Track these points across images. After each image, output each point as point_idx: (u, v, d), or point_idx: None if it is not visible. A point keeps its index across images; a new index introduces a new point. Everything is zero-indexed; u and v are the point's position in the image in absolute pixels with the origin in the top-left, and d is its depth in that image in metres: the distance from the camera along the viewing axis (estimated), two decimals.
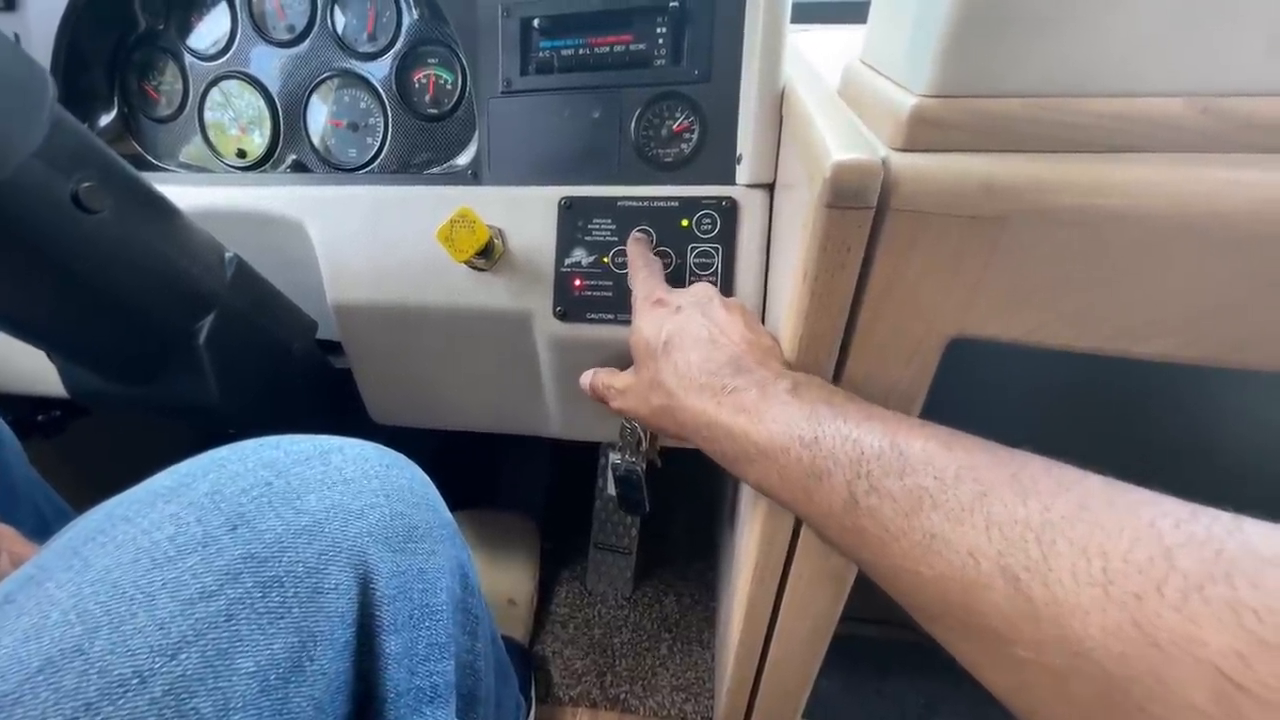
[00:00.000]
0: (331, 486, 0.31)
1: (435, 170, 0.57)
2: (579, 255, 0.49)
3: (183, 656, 0.24)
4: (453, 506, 0.40)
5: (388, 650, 0.31)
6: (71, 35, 0.57)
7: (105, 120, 0.62)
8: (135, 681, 0.22)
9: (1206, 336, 0.28)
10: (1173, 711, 0.16)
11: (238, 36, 0.59)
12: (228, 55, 0.59)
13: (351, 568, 0.29)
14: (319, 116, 0.59)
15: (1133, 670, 0.17)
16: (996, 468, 0.22)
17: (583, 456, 0.89)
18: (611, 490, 0.86)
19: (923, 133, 0.28)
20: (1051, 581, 0.19)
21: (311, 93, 0.58)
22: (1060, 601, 0.19)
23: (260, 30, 0.58)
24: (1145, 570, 0.17)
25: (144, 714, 0.22)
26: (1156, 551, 0.18)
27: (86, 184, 0.37)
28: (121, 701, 0.22)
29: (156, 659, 0.23)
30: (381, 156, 0.58)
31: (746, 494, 0.50)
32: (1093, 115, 0.26)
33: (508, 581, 0.82)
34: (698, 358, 0.35)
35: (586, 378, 0.46)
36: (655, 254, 0.47)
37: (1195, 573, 0.17)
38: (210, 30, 0.60)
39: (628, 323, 0.46)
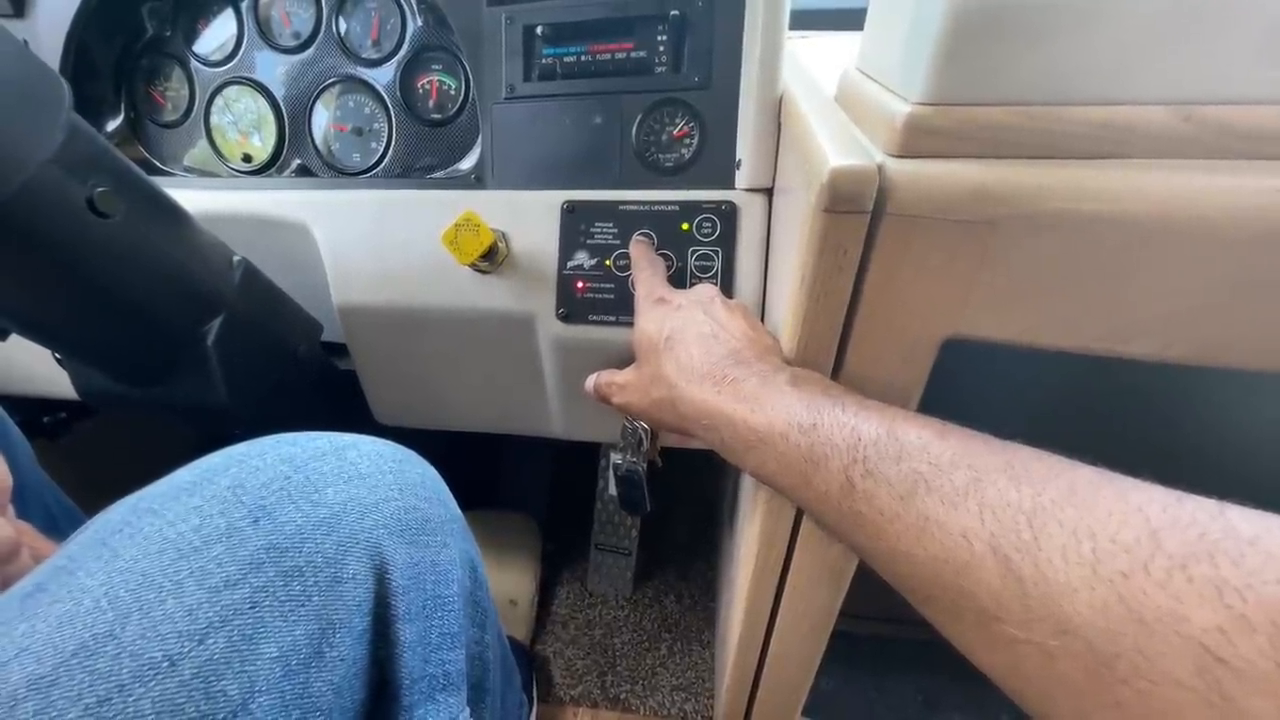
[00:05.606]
0: (348, 481, 0.31)
1: (439, 174, 0.58)
2: (581, 258, 0.50)
3: (210, 641, 0.24)
4: None
5: (402, 638, 0.31)
6: (80, 41, 0.58)
7: (112, 125, 0.63)
8: (165, 665, 0.23)
9: (1188, 337, 0.29)
10: (1157, 685, 0.17)
11: (243, 43, 0.60)
12: (233, 61, 0.60)
13: (368, 558, 0.30)
14: (323, 121, 0.60)
15: (1118, 646, 0.18)
16: (990, 456, 0.23)
17: (584, 457, 0.90)
18: (612, 491, 0.86)
19: (917, 139, 0.28)
20: (1041, 561, 0.20)
21: (316, 98, 0.59)
22: (1050, 580, 0.19)
23: (266, 36, 0.59)
24: (1132, 550, 0.18)
25: (174, 695, 0.23)
26: (1143, 533, 0.18)
27: (101, 189, 0.38)
28: (153, 683, 0.23)
29: (185, 643, 0.24)
30: (385, 161, 0.59)
31: (746, 493, 0.51)
32: (1079, 123, 0.27)
33: (509, 582, 0.83)
34: (699, 351, 0.36)
35: (590, 380, 0.47)
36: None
37: (1180, 553, 0.17)
38: (216, 36, 0.61)
39: (630, 324, 0.47)
